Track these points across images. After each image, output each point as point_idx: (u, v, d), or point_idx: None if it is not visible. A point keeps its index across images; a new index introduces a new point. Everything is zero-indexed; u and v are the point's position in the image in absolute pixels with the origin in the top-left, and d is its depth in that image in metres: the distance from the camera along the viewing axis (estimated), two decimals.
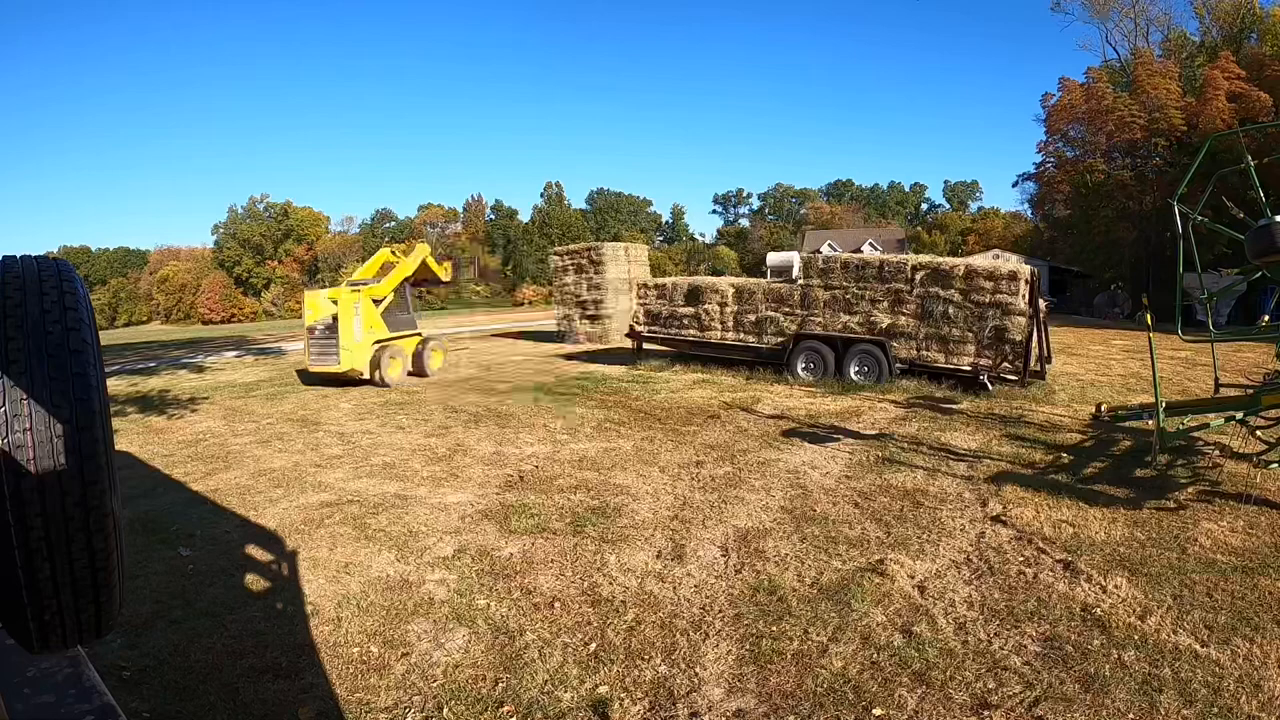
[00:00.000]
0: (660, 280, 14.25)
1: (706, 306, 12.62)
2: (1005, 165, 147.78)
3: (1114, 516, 5.05)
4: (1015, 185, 59.74)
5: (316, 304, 12.51)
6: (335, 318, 12.01)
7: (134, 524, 5.33)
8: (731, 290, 12.49)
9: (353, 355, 11.97)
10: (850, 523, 5.08)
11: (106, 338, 38.44)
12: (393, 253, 14.56)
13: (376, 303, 12.59)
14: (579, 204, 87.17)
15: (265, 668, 3.33)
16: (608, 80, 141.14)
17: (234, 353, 21.43)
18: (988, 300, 10.20)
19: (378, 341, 12.42)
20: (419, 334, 13.76)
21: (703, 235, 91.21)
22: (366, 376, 12.22)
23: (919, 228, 77.30)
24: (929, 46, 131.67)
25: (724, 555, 4.56)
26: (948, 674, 3.13)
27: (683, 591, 4.05)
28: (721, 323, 12.58)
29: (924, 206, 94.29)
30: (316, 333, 12.18)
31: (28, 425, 1.41)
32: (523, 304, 69.18)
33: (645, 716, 2.92)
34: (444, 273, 14.88)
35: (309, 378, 13.04)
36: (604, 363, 14.78)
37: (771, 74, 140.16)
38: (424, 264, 13.99)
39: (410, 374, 13.14)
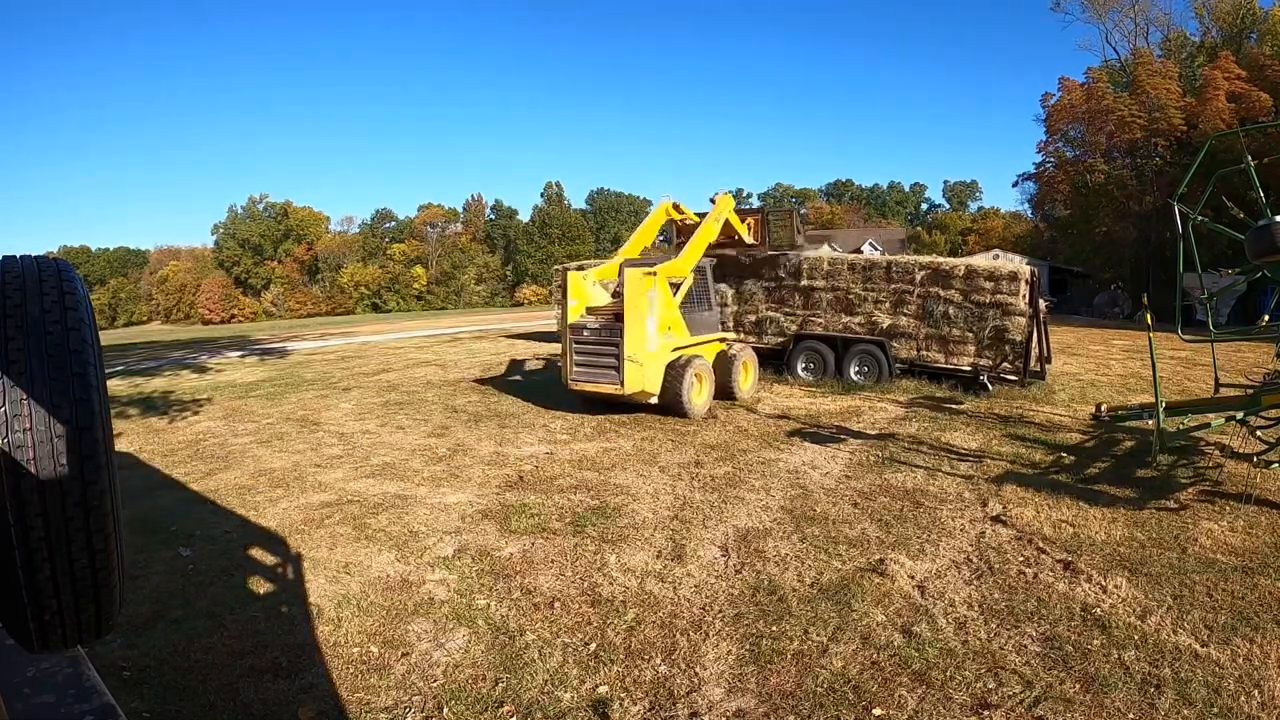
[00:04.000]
0: None
1: None
2: (1005, 165, 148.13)
3: (1114, 516, 5.05)
4: (1015, 185, 59.61)
5: (584, 290, 8.82)
6: (617, 313, 8.37)
7: (134, 524, 5.33)
8: (731, 290, 12.48)
9: (643, 371, 8.27)
10: (850, 523, 5.08)
11: (107, 338, 38.46)
12: (676, 208, 10.42)
13: (674, 288, 8.88)
14: (579, 204, 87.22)
15: (265, 668, 3.33)
16: (608, 80, 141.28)
17: (237, 353, 21.43)
18: (988, 300, 10.20)
19: (676, 349, 8.72)
20: (722, 337, 9.94)
21: None
22: (656, 401, 8.59)
23: (919, 228, 77.27)
24: (929, 46, 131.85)
25: (724, 555, 4.56)
26: (948, 674, 3.13)
27: (683, 591, 4.05)
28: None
29: (924, 206, 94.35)
30: (586, 334, 8.49)
31: (28, 425, 1.41)
32: (522, 304, 69.21)
33: (645, 716, 2.92)
34: (748, 234, 11.04)
35: (571, 399, 9.27)
36: None
37: (771, 74, 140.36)
38: (726, 223, 10.28)
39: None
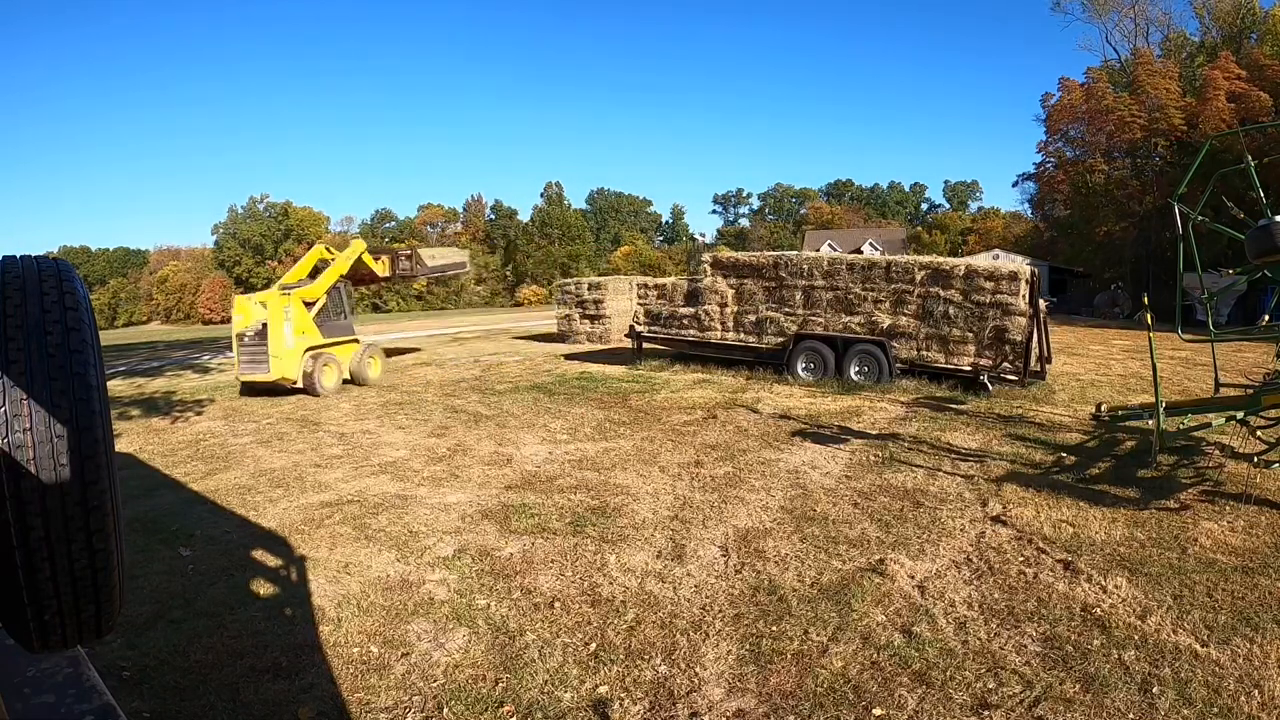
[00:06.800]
0: (660, 280, 14.27)
1: (706, 307, 12.63)
2: (1005, 165, 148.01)
3: (1114, 516, 5.05)
4: (1015, 185, 59.78)
5: (247, 309, 11.52)
6: (265, 324, 11.24)
7: (134, 524, 5.33)
8: (731, 290, 12.50)
9: (283, 363, 11.19)
10: (850, 523, 5.08)
11: (107, 338, 38.48)
12: (328, 249, 13.56)
13: (309, 305, 11.74)
14: (579, 204, 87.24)
15: (265, 668, 3.33)
16: (608, 80, 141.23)
17: None
18: (988, 300, 10.20)
19: (310, 349, 11.58)
20: (356, 340, 12.88)
21: (703, 235, 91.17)
22: (299, 385, 11.46)
23: (919, 228, 77.28)
24: (929, 46, 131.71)
25: (724, 555, 4.56)
26: (948, 674, 3.13)
27: (683, 591, 4.05)
28: (721, 323, 12.58)
29: (924, 206, 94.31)
30: (246, 340, 11.37)
31: (28, 425, 1.41)
32: (522, 304, 69.23)
33: (645, 716, 2.92)
34: (381, 268, 14.31)
35: (244, 388, 11.96)
36: (604, 363, 14.79)
37: (772, 74, 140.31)
38: (360, 260, 13.39)
39: (347, 382, 12.32)
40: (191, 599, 4.10)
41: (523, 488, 6.13)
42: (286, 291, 11.65)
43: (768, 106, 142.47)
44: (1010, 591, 3.94)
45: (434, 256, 16.02)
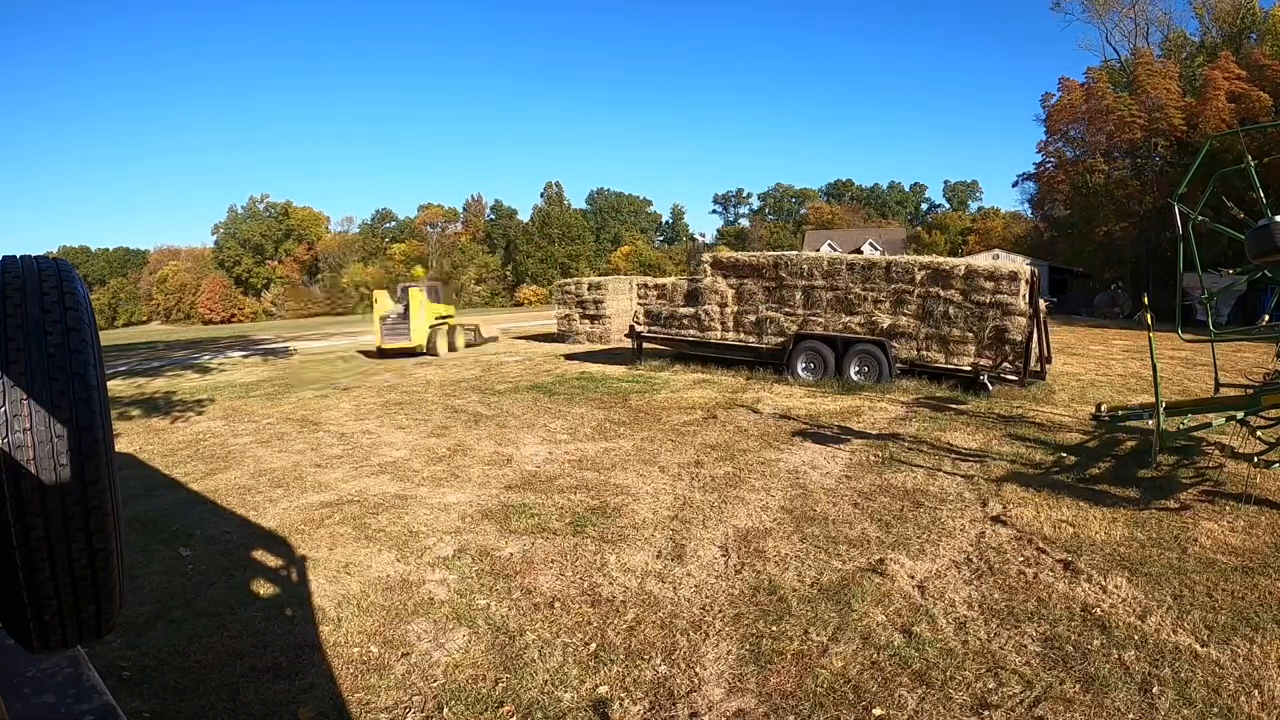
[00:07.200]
0: (660, 280, 14.27)
1: (706, 307, 12.62)
2: (1005, 165, 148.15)
3: (1114, 516, 5.05)
4: (1015, 185, 59.72)
5: (384, 300, 17.85)
6: (407, 307, 17.14)
7: (134, 524, 5.33)
8: (731, 290, 12.49)
9: (419, 334, 17.28)
10: (850, 523, 5.08)
11: (107, 338, 38.50)
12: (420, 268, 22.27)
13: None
14: (579, 204, 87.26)
15: (265, 668, 3.33)
16: (608, 80, 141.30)
17: (239, 353, 21.45)
18: (988, 300, 10.20)
19: (431, 325, 17.65)
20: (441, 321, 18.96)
21: (703, 235, 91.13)
22: (425, 350, 17.36)
23: (919, 228, 77.32)
24: (929, 46, 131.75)
25: (724, 555, 4.56)
26: (948, 674, 3.13)
27: (683, 591, 4.05)
28: (721, 323, 12.57)
29: (924, 206, 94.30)
30: (390, 320, 17.35)
31: (28, 425, 1.41)
32: (522, 304, 69.25)
33: (645, 716, 2.92)
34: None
35: (379, 352, 17.52)
36: (604, 363, 14.78)
37: (771, 73, 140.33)
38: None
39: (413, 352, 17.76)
40: (191, 599, 4.10)
41: (523, 488, 6.12)
42: (419, 288, 17.82)
43: (768, 106, 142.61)
44: (1010, 591, 3.94)
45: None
